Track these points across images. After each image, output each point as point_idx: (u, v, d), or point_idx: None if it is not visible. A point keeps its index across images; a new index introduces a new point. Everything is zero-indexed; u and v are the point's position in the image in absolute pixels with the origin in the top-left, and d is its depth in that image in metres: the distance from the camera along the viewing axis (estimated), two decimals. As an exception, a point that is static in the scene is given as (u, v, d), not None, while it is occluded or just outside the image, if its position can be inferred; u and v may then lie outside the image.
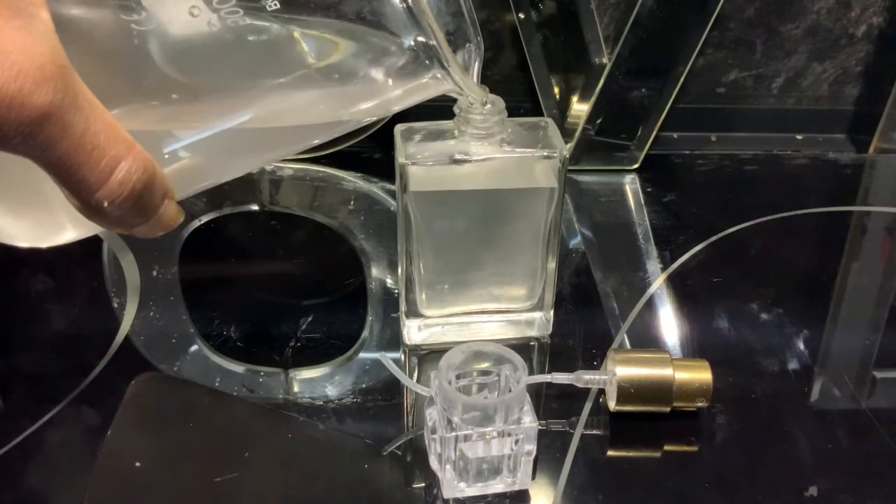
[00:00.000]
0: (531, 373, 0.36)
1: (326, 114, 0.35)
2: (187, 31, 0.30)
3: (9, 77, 0.23)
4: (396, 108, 0.36)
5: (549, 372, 0.39)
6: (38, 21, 0.25)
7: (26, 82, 0.24)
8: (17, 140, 0.24)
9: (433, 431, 0.35)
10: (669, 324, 0.47)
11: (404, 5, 0.30)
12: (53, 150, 0.25)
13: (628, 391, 0.38)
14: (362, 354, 0.44)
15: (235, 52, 0.32)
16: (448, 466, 0.35)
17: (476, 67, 0.37)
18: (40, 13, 0.25)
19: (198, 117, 0.33)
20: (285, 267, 0.52)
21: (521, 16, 0.58)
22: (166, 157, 0.32)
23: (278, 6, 0.30)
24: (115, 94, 0.30)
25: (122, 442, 0.38)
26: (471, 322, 0.43)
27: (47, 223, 0.35)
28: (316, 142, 0.37)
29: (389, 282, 0.49)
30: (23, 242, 0.35)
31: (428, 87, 0.35)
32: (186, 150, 0.33)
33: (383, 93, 0.34)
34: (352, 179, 0.59)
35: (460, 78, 0.33)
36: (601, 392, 0.40)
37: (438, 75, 0.33)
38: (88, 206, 0.27)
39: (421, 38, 0.31)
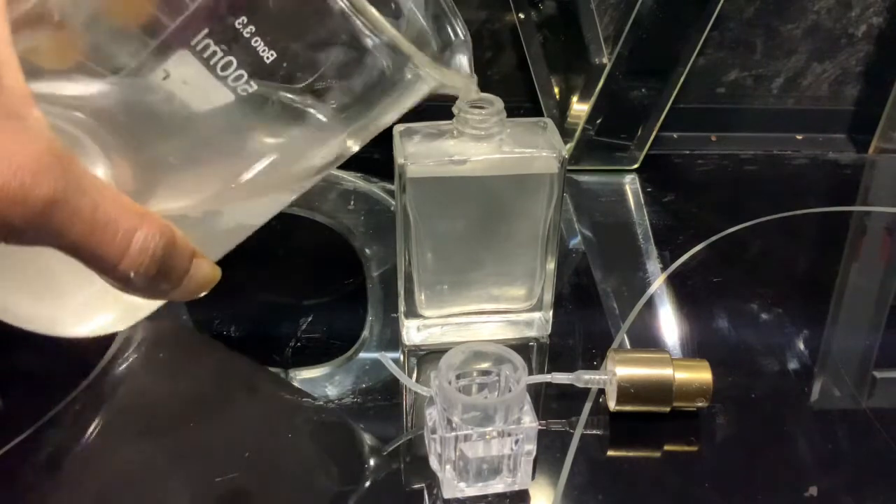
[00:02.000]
0: (531, 373, 0.36)
1: (335, 148, 0.36)
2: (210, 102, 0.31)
3: (8, 175, 0.24)
4: (391, 118, 0.36)
5: (549, 372, 0.39)
6: (31, 119, 0.26)
7: (25, 177, 0.25)
8: (30, 233, 0.26)
9: (433, 431, 0.35)
10: (669, 324, 0.47)
11: (342, 5, 0.30)
12: (68, 234, 0.26)
13: (628, 391, 0.38)
14: (362, 354, 0.44)
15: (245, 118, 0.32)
16: (448, 466, 0.35)
17: (466, 61, 0.36)
18: (31, 112, 0.26)
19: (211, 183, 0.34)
20: (285, 267, 0.52)
21: (521, 16, 0.58)
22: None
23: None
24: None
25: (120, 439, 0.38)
26: (470, 322, 0.43)
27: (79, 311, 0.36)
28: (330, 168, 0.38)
29: (389, 282, 0.49)
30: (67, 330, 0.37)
31: (413, 88, 0.34)
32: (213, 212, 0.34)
33: (370, 110, 0.35)
34: (352, 179, 0.59)
35: (432, 69, 0.33)
36: (601, 392, 0.40)
37: (419, 74, 0.33)
38: (117, 279, 0.28)
39: (383, 38, 0.31)
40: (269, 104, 0.32)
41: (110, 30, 0.31)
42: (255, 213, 0.38)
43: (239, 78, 0.30)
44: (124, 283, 0.29)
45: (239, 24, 0.30)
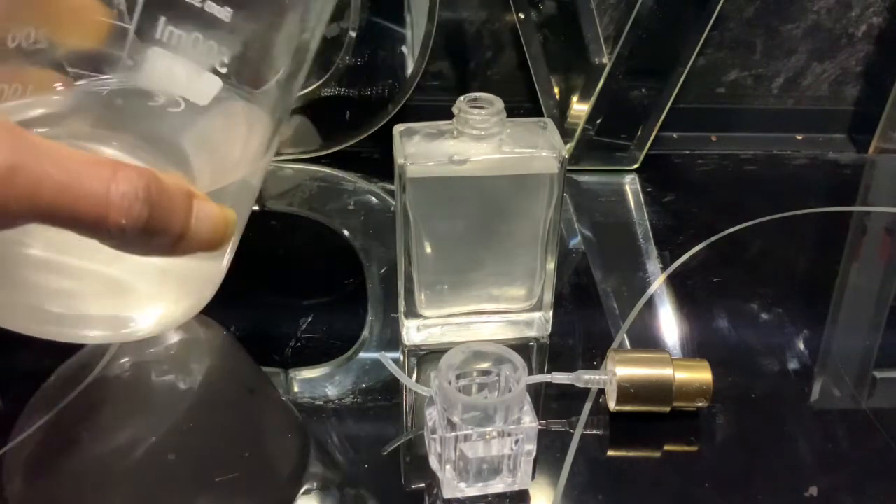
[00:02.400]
0: (531, 373, 0.36)
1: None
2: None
3: None
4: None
5: (549, 372, 0.39)
6: None
7: None
8: (1, 206, 0.25)
9: (433, 431, 0.35)
10: (669, 324, 0.47)
11: None
12: (40, 199, 0.26)
13: (628, 391, 0.38)
14: (362, 354, 0.44)
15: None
16: (448, 466, 0.35)
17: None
18: None
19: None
20: (285, 267, 0.52)
21: (521, 16, 0.58)
22: None
23: None
24: None
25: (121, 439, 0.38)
26: (470, 322, 0.43)
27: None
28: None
29: (389, 282, 0.49)
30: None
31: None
32: None
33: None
34: (352, 179, 0.59)
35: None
36: (601, 392, 0.40)
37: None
38: (114, 237, 0.27)
39: None
40: (244, 63, 0.32)
41: (78, 54, 0.31)
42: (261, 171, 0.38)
43: (210, 50, 0.31)
44: (123, 237, 0.27)
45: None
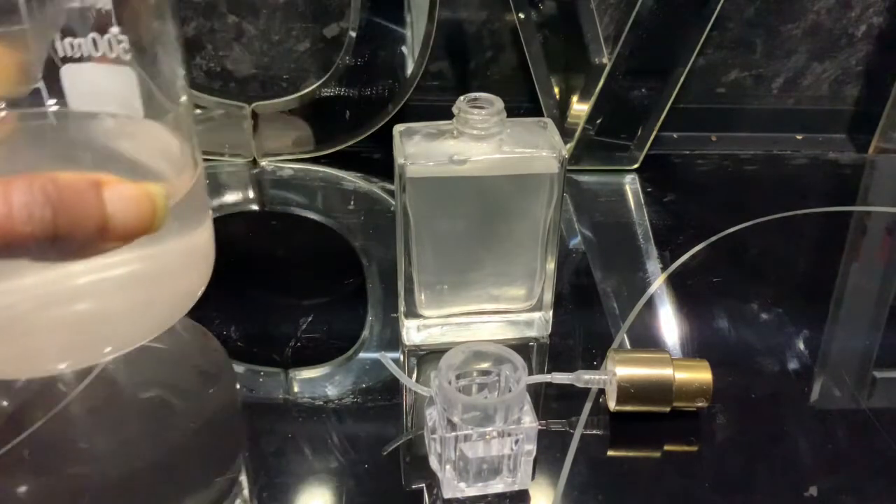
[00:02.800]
0: (531, 373, 0.36)
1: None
2: None
3: None
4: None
5: (549, 372, 0.39)
6: None
7: None
8: None
9: (433, 431, 0.35)
10: (669, 324, 0.47)
11: None
12: None
13: (628, 391, 0.38)
14: (362, 354, 0.44)
15: None
16: (448, 466, 0.35)
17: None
18: None
19: None
20: (285, 267, 0.52)
21: (521, 16, 0.58)
22: None
23: None
24: None
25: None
26: (470, 322, 0.43)
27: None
28: None
29: (389, 282, 0.49)
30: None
31: None
32: None
33: None
34: (352, 179, 0.59)
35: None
36: (601, 392, 0.40)
37: None
38: (35, 250, 0.27)
39: None
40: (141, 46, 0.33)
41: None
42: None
43: (113, 42, 0.31)
44: (40, 246, 0.27)
45: (68, 4, 0.30)
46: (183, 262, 0.38)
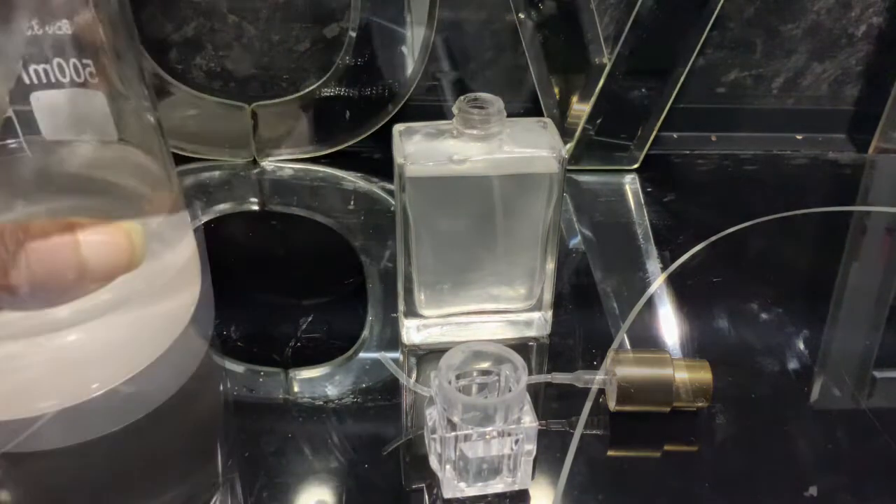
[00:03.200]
0: (531, 373, 0.36)
1: None
2: None
3: None
4: None
5: (549, 372, 0.39)
6: None
7: None
8: None
9: (433, 431, 0.35)
10: (669, 324, 0.47)
11: None
12: None
13: (628, 391, 0.38)
14: (362, 354, 0.44)
15: None
16: (448, 466, 0.35)
17: None
18: None
19: None
20: (285, 267, 0.52)
21: (521, 16, 0.58)
22: None
23: None
24: None
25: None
26: (470, 322, 0.43)
27: None
28: None
29: (389, 282, 0.49)
30: None
31: None
32: None
33: None
34: (352, 179, 0.59)
35: None
36: (601, 392, 0.40)
37: None
38: (15, 299, 0.27)
39: None
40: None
41: None
42: None
43: (79, 67, 0.31)
44: (8, 292, 0.27)
45: (28, 31, 0.30)
46: (169, 284, 0.38)
